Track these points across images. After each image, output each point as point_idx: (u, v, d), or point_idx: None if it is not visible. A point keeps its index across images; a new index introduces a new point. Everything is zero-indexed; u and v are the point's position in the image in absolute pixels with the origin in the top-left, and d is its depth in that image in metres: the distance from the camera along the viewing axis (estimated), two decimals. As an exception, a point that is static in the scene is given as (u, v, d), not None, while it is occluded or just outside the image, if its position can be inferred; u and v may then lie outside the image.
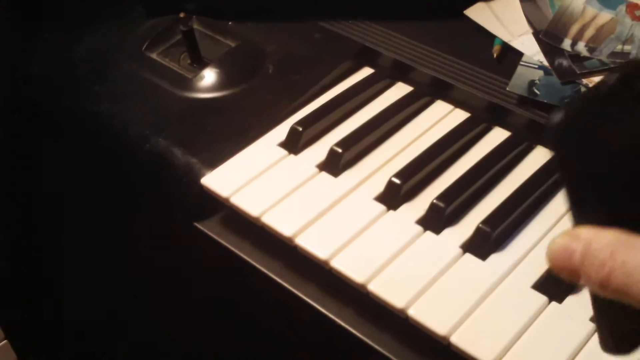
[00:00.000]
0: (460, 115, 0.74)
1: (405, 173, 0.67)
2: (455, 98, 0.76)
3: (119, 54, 0.82)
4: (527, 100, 0.72)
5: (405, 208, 0.66)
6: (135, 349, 1.05)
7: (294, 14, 0.84)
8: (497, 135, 0.72)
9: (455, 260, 0.61)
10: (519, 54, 0.76)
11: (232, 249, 0.66)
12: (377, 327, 0.60)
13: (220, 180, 0.67)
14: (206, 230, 0.67)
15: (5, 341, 0.92)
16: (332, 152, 0.69)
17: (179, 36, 0.82)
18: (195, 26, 0.83)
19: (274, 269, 0.64)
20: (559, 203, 0.66)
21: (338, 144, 0.70)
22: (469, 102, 0.75)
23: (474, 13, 0.80)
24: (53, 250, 1.01)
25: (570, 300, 0.58)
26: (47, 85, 0.82)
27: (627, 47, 0.74)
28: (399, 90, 0.77)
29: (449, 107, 0.76)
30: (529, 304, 0.58)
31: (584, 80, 0.72)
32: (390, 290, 0.59)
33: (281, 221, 0.64)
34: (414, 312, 0.58)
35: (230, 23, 0.84)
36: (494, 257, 0.62)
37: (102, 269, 0.93)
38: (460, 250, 0.62)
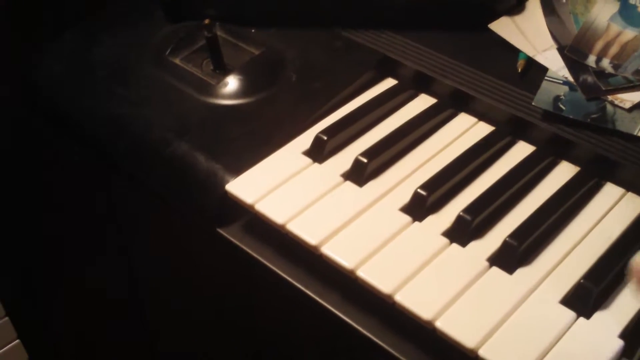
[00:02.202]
0: (484, 128, 0.74)
1: (431, 185, 0.67)
2: (479, 111, 0.76)
3: (141, 57, 0.82)
4: (552, 116, 0.71)
5: (430, 220, 0.65)
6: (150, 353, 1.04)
7: (316, 22, 0.84)
8: (522, 150, 0.72)
9: (482, 273, 0.61)
10: (542, 69, 0.76)
11: (255, 255, 0.65)
12: (402, 338, 0.60)
13: (245, 186, 0.67)
14: (229, 236, 0.66)
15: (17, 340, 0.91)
16: (357, 162, 0.69)
17: (202, 42, 0.81)
18: (219, 33, 0.83)
19: (297, 276, 0.64)
20: (585, 219, 0.65)
21: (363, 154, 0.69)
22: (493, 116, 0.75)
23: (499, 27, 0.80)
24: (70, 253, 1.00)
25: (598, 316, 0.58)
26: (68, 87, 0.81)
27: (651, 65, 0.74)
28: (423, 102, 0.77)
29: (473, 119, 0.75)
30: (556, 319, 0.58)
31: (609, 97, 0.72)
32: (417, 302, 0.58)
33: (306, 229, 0.64)
34: (441, 325, 0.57)
35: (253, 30, 0.84)
36: (520, 271, 0.61)
37: (121, 273, 0.93)
38: (486, 264, 0.62)
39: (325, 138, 0.71)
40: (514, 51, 0.78)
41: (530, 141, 0.73)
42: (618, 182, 0.68)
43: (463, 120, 0.76)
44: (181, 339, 0.98)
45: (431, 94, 0.78)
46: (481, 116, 0.76)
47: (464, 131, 0.74)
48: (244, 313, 0.78)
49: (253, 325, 0.80)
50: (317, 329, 0.68)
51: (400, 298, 0.59)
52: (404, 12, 0.83)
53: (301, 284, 0.63)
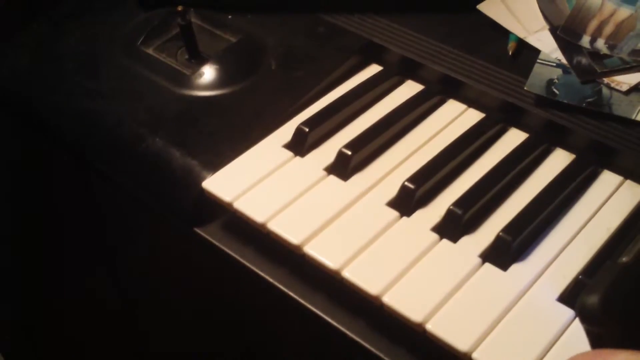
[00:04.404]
0: (474, 115, 0.71)
1: (419, 177, 0.63)
2: (469, 97, 0.72)
3: (111, 48, 0.78)
4: (546, 100, 0.68)
5: (419, 214, 0.62)
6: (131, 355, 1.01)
7: (296, 6, 0.80)
8: (514, 137, 0.68)
9: (475, 270, 0.58)
10: (535, 51, 0.72)
11: (234, 255, 0.62)
12: (391, 342, 0.56)
13: (223, 183, 0.63)
14: (207, 236, 0.62)
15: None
16: (341, 155, 0.65)
17: (176, 30, 0.77)
18: (193, 20, 0.79)
19: (280, 277, 0.60)
20: (582, 209, 0.62)
21: (347, 146, 0.66)
22: (483, 102, 0.71)
23: (488, 8, 0.76)
24: (48, 255, 0.97)
25: (598, 314, 0.54)
26: (34, 81, 0.77)
27: (648, 45, 0.71)
28: (409, 88, 0.73)
29: (462, 106, 0.72)
30: (554, 317, 0.54)
31: (605, 80, 0.68)
32: (407, 303, 0.55)
33: (288, 228, 0.60)
34: (432, 327, 0.54)
35: (230, 16, 0.80)
36: (515, 267, 0.58)
37: (98, 274, 0.89)
38: (479, 260, 0.58)
39: (306, 130, 0.67)
40: (505, 33, 0.75)
41: (522, 128, 0.69)
42: (616, 170, 0.65)
43: (452, 107, 0.72)
44: (171, 339, 0.94)
45: (418, 80, 0.75)
46: (471, 102, 0.72)
47: (453, 119, 0.70)
48: (231, 312, 0.75)
49: (241, 325, 0.77)
50: (304, 330, 0.64)
51: (389, 300, 0.55)
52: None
53: (284, 286, 0.60)
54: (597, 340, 0.46)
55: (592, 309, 0.45)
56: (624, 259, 0.48)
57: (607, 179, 0.64)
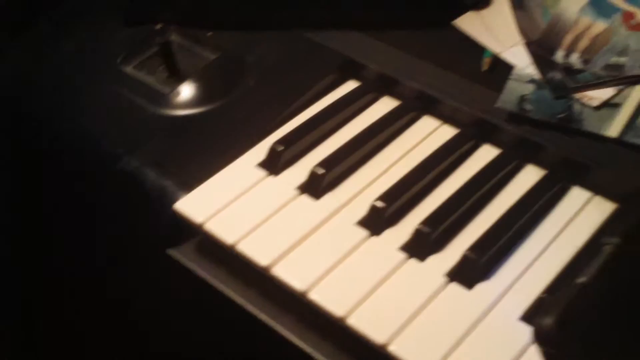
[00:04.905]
0: (448, 132, 0.71)
1: (389, 196, 0.64)
2: (443, 113, 0.73)
3: (91, 65, 0.79)
4: (518, 117, 0.68)
5: (389, 233, 0.63)
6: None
7: (275, 24, 0.81)
8: (486, 154, 0.69)
9: (440, 290, 0.58)
10: (509, 67, 0.73)
11: (207, 278, 0.63)
12: (358, 361, 0.57)
13: (195, 204, 0.64)
14: (180, 258, 0.63)
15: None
16: (313, 174, 0.66)
17: (156, 48, 0.78)
18: (173, 37, 0.80)
19: (251, 299, 0.61)
20: (550, 226, 0.62)
21: (320, 165, 0.66)
22: (457, 118, 0.72)
23: (464, 23, 0.77)
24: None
25: (560, 333, 0.55)
26: (11, 97, 0.79)
27: (621, 59, 0.71)
28: (385, 105, 0.74)
29: (437, 122, 0.72)
30: (516, 337, 0.55)
31: (577, 96, 0.69)
32: (373, 324, 0.56)
33: (257, 249, 0.61)
34: (395, 348, 0.55)
35: (209, 34, 0.81)
36: (481, 286, 0.59)
37: (77, 291, 0.90)
38: (445, 279, 0.59)
39: (280, 148, 0.68)
40: (481, 48, 0.75)
41: (495, 144, 0.70)
42: (586, 185, 0.65)
43: (426, 123, 0.73)
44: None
45: (395, 95, 0.75)
46: (445, 119, 0.73)
47: (427, 135, 0.71)
48: (210, 331, 0.76)
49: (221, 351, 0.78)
50: (276, 350, 0.65)
51: (354, 322, 0.56)
52: (367, 10, 0.80)
53: (254, 308, 0.60)
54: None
55: (547, 330, 0.45)
56: (582, 279, 0.49)
57: (577, 195, 0.65)
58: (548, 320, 0.45)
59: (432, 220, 0.62)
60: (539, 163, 0.68)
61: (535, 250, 0.61)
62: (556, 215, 0.63)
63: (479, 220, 0.63)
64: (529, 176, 0.67)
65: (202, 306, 0.68)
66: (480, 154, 0.69)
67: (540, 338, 0.46)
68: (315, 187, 0.66)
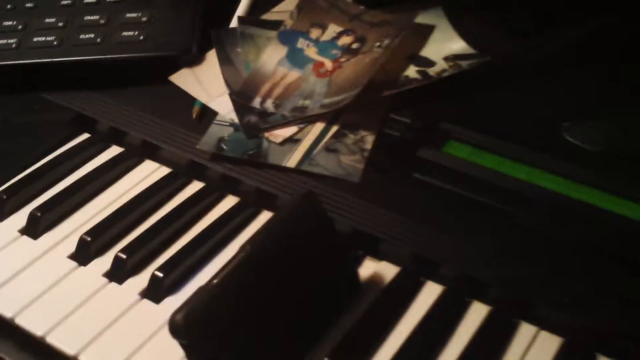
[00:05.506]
0: (163, 172, 0.82)
1: (96, 230, 0.74)
2: (162, 157, 0.83)
3: None
4: (217, 156, 0.80)
5: (96, 263, 0.72)
6: None
7: (12, 85, 0.89)
8: (193, 188, 0.80)
9: (133, 305, 0.68)
10: (215, 114, 0.84)
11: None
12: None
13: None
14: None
15: None
16: (31, 216, 0.75)
17: None
18: None
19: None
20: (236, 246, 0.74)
21: (37, 208, 0.75)
22: (173, 160, 0.83)
23: (178, 79, 0.88)
24: None
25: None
26: None
27: (307, 102, 0.84)
28: (110, 154, 0.84)
29: (156, 165, 0.83)
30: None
31: (267, 134, 0.81)
32: (67, 339, 0.65)
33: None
34: (85, 358, 0.64)
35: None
36: (168, 300, 0.69)
37: None
38: (138, 297, 0.69)
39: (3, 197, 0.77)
40: (194, 99, 0.87)
41: (202, 180, 0.81)
42: (270, 210, 0.77)
43: (146, 167, 0.83)
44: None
45: (122, 145, 0.85)
46: (164, 161, 0.83)
47: (144, 177, 0.81)
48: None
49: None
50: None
51: (51, 339, 0.65)
52: (96, 73, 0.90)
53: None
54: (186, 351, 0.57)
55: (176, 325, 0.55)
56: (214, 282, 0.59)
57: (264, 217, 0.77)
58: (178, 317, 0.55)
59: (130, 247, 0.72)
60: (238, 193, 0.79)
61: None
62: (243, 237, 0.75)
63: (177, 245, 0.74)
64: (226, 204, 0.78)
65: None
66: (188, 189, 0.80)
67: (173, 332, 0.55)
68: (33, 228, 0.75)
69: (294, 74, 0.88)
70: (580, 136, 0.75)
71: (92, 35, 0.90)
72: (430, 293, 0.68)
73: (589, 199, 0.70)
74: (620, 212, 0.68)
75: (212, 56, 0.91)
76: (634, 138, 0.75)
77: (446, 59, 0.87)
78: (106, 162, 0.82)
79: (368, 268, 0.71)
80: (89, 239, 0.73)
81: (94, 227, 0.74)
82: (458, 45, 0.88)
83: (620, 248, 0.66)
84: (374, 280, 0.70)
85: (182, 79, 0.88)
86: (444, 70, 0.85)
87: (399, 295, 0.68)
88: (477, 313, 0.66)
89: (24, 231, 0.75)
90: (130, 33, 0.90)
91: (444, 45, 0.89)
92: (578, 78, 0.84)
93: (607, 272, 0.65)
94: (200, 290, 0.58)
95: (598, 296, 0.63)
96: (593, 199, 0.70)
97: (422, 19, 0.92)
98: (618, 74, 0.84)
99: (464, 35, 0.89)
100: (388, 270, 0.70)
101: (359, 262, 0.71)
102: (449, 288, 0.68)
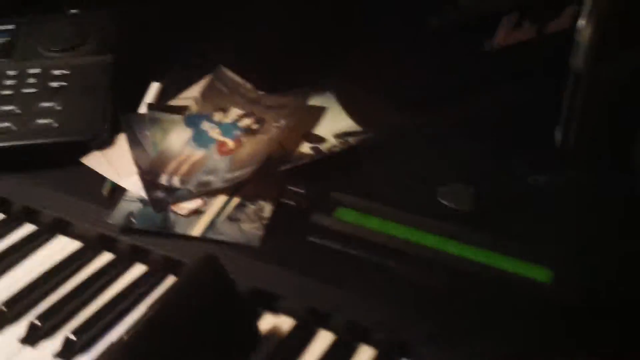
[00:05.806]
0: (75, 246, 0.88)
1: (11, 300, 0.79)
2: (75, 232, 0.89)
3: None
4: (127, 229, 0.86)
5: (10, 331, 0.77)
6: None
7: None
8: (104, 260, 0.86)
9: (48, 366, 0.73)
10: (125, 191, 0.91)
11: None
12: None
13: None
14: None
15: None
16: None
17: None
18: None
19: None
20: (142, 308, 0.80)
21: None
22: (86, 235, 0.89)
23: (90, 161, 0.95)
24: None
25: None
26: None
27: (210, 177, 0.92)
28: (23, 231, 0.90)
29: (69, 240, 0.89)
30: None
31: (173, 207, 0.88)
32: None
33: None
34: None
35: None
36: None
37: None
38: (53, 358, 0.74)
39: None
40: (105, 179, 0.93)
41: (114, 251, 0.87)
42: (176, 274, 0.84)
43: (60, 242, 0.89)
44: None
45: (35, 223, 0.91)
46: (77, 236, 0.89)
47: (56, 252, 0.87)
48: None
49: None
50: None
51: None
52: (13, 158, 0.96)
53: None
54: None
55: None
56: (124, 337, 0.65)
57: (170, 283, 0.83)
58: None
59: (46, 316, 0.77)
60: (148, 262, 0.85)
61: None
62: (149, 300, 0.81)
63: (88, 310, 0.79)
64: (134, 272, 0.84)
65: None
66: (99, 260, 0.86)
67: None
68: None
69: (199, 153, 0.96)
70: (452, 198, 0.85)
71: (9, 124, 0.97)
72: (323, 340, 0.75)
73: (456, 251, 0.79)
74: (480, 260, 0.78)
75: (122, 139, 0.98)
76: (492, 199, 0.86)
77: (336, 136, 0.97)
78: (21, 239, 0.88)
79: (268, 322, 0.78)
80: (5, 309, 0.78)
81: (9, 298, 0.79)
82: (346, 123, 0.99)
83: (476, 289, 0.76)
84: (273, 332, 0.76)
85: (94, 160, 0.95)
86: (334, 146, 0.95)
87: (295, 344, 0.75)
88: (365, 355, 0.74)
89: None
90: (45, 121, 0.97)
91: (334, 124, 0.99)
92: (455, 146, 0.95)
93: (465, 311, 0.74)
94: (112, 346, 0.64)
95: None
96: (459, 250, 0.79)
97: (315, 101, 1.03)
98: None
99: (352, 114, 1.00)
100: (285, 323, 0.77)
101: (258, 316, 0.78)
102: (339, 335, 0.76)
